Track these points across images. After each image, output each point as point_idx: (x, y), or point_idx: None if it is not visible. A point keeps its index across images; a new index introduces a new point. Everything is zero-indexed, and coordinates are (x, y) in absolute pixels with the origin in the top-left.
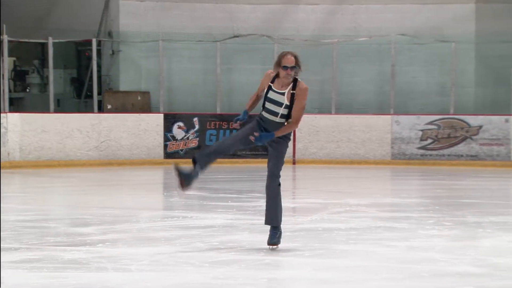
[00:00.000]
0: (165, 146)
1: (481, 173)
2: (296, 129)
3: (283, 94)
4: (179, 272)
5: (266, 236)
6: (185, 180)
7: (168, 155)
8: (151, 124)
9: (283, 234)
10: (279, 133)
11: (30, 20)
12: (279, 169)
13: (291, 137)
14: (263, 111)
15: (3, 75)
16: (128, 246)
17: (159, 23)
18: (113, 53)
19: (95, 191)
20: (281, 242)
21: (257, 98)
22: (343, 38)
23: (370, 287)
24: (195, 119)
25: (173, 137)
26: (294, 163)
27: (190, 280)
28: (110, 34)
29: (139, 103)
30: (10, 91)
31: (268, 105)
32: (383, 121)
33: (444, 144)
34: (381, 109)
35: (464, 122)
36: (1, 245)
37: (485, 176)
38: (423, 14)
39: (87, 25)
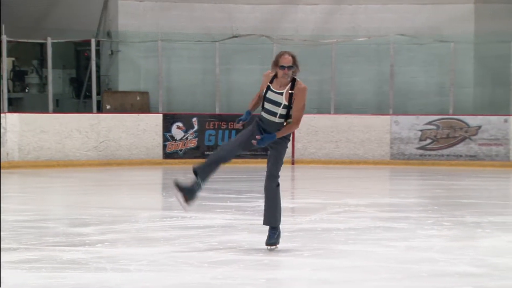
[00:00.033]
0: (164, 146)
1: (480, 173)
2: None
3: (281, 94)
4: (178, 272)
5: (265, 237)
6: (188, 195)
7: (167, 155)
8: (150, 124)
9: (282, 234)
10: (280, 134)
11: (29, 20)
12: (278, 169)
13: (290, 138)
14: (262, 112)
15: (2, 75)
16: (127, 246)
17: (158, 23)
18: (112, 53)
19: (94, 191)
20: (280, 242)
21: (259, 98)
22: (342, 38)
23: (369, 287)
24: (194, 119)
25: (172, 137)
26: (293, 163)
27: (189, 280)
28: (109, 34)
29: (138, 103)
30: (9, 91)
31: (267, 105)
32: (382, 121)
33: (443, 144)
34: (380, 109)
35: (463, 122)
36: (1, 245)
37: (484, 176)
38: (422, 14)
39: (86, 25)
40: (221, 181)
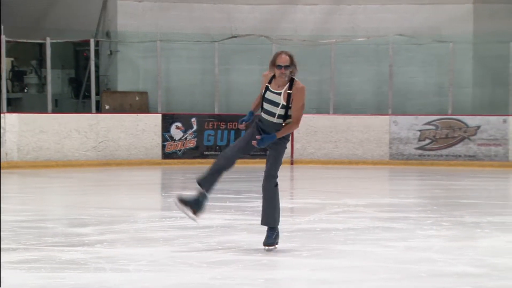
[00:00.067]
0: (163, 146)
1: (479, 174)
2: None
3: (279, 94)
4: (177, 272)
5: (264, 237)
6: (196, 207)
7: (166, 155)
8: (149, 125)
9: (281, 235)
10: (280, 134)
11: (28, 20)
12: (276, 169)
13: (290, 138)
14: (262, 112)
15: (1, 75)
16: (126, 246)
17: (157, 23)
18: (111, 53)
19: (93, 192)
20: (279, 243)
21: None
22: (341, 38)
23: (368, 287)
24: (193, 119)
25: (171, 138)
26: (292, 163)
27: (188, 280)
28: (108, 34)
29: (137, 103)
30: (8, 91)
31: (266, 105)
32: (381, 121)
33: (442, 145)
34: (379, 110)
35: (462, 122)
36: (0, 246)
37: (483, 177)
38: (421, 15)
39: (85, 25)
40: (220, 181)
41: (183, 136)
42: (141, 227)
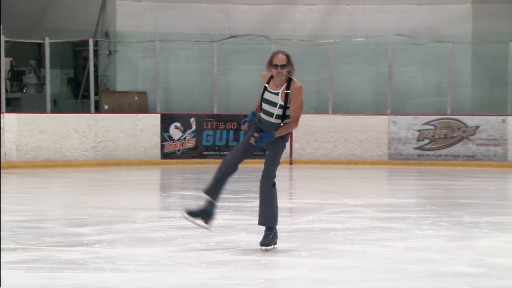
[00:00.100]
0: (162, 146)
1: (478, 174)
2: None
3: (277, 94)
4: (176, 272)
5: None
6: (206, 216)
7: (165, 155)
8: (148, 125)
9: (280, 235)
10: (279, 134)
11: (27, 20)
12: (274, 169)
13: (288, 138)
14: (261, 112)
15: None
16: (125, 246)
17: (156, 23)
18: (110, 53)
19: (92, 192)
20: (278, 243)
21: None
22: (340, 38)
23: (367, 287)
24: (192, 119)
25: (170, 138)
26: (291, 163)
27: (187, 281)
28: (107, 34)
29: (136, 103)
30: (6, 91)
31: (264, 105)
32: (380, 121)
33: (441, 145)
34: (378, 110)
35: (461, 122)
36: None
37: (482, 177)
38: (419, 15)
39: (84, 25)
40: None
41: (182, 136)
42: (140, 227)
